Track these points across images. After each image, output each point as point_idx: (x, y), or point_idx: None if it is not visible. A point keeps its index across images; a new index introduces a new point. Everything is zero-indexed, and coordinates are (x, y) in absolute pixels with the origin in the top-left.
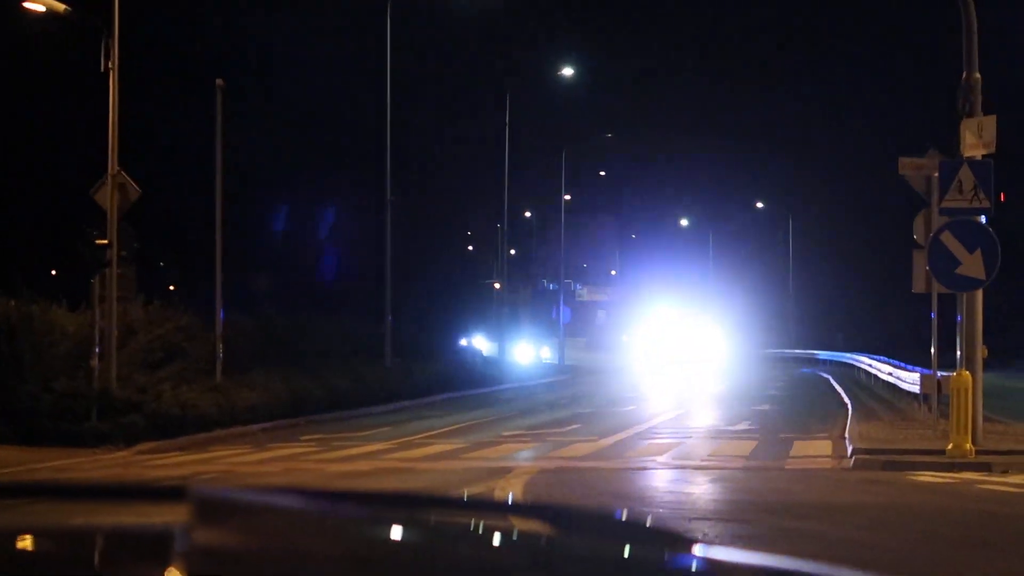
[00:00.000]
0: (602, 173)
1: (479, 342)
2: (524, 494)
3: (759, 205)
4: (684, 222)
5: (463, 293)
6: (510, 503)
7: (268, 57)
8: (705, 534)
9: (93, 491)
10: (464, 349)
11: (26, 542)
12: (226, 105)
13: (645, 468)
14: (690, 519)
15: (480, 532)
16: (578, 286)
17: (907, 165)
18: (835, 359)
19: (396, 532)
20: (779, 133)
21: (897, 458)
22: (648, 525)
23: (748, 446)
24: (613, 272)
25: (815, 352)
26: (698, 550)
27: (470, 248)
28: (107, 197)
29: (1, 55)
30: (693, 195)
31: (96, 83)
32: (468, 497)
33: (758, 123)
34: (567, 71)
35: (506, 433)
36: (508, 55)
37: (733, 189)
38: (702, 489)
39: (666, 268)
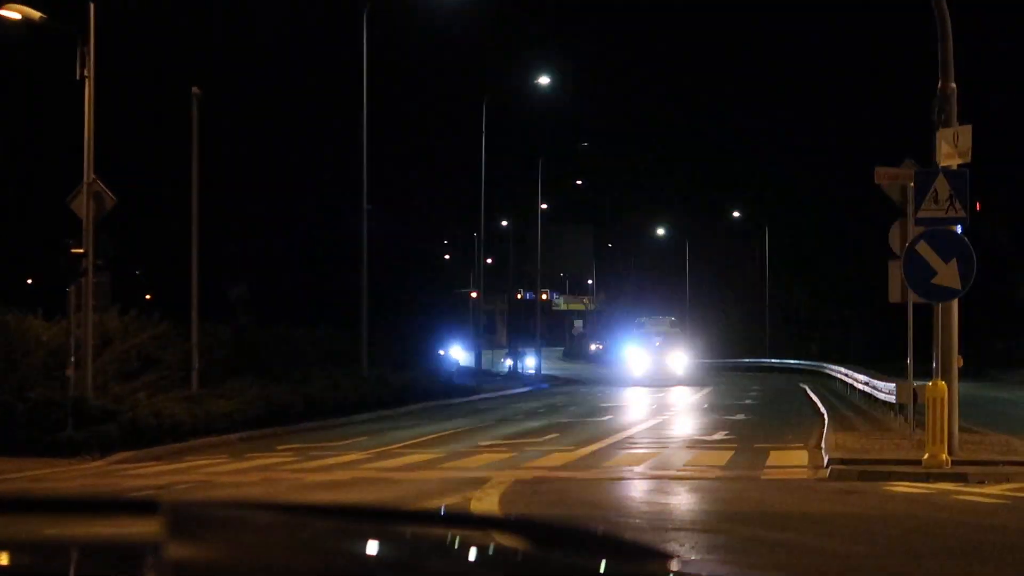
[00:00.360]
0: (579, 183)
1: (456, 351)
2: (501, 505)
3: (735, 214)
4: (660, 231)
5: (440, 302)
6: (487, 518)
7: (244, 65)
8: (682, 546)
9: (67, 504)
10: (441, 358)
11: (1, 556)
12: (202, 113)
13: (622, 478)
14: (667, 529)
15: (456, 547)
16: (555, 295)
17: (883, 175)
18: (811, 368)
19: (372, 547)
20: (755, 143)
21: (873, 468)
22: (625, 539)
23: (725, 456)
24: (590, 281)
25: (790, 362)
26: (674, 565)
27: (447, 257)
28: (83, 206)
29: None
30: (669, 205)
31: (71, 91)
32: (445, 511)
33: (734, 133)
34: (544, 80)
35: (483, 443)
36: (485, 64)
37: (709, 199)
38: (679, 499)
39: (642, 277)
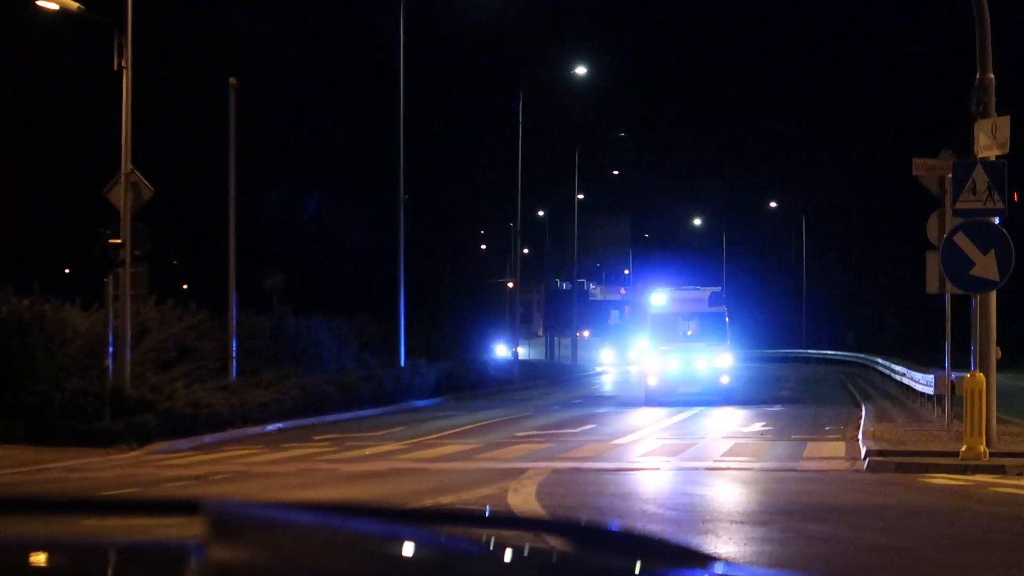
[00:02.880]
0: (615, 172)
1: (492, 341)
2: (537, 496)
3: (772, 205)
4: (697, 221)
5: (476, 293)
6: (527, 518)
7: (281, 53)
8: (719, 538)
9: (108, 506)
10: (477, 348)
11: (40, 557)
12: (239, 103)
13: (659, 469)
14: (704, 521)
15: (492, 548)
16: (591, 285)
17: (921, 166)
18: (847, 359)
19: (412, 549)
20: (793, 133)
21: (911, 460)
22: (667, 540)
23: (762, 447)
24: (626, 271)
25: (827, 352)
26: (719, 568)
27: (483, 247)
28: (120, 196)
29: (16, 54)
30: (706, 194)
31: (109, 82)
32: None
33: (772, 124)
34: (581, 70)
35: (519, 433)
36: (522, 54)
37: (746, 188)
38: (716, 491)
39: (679, 267)
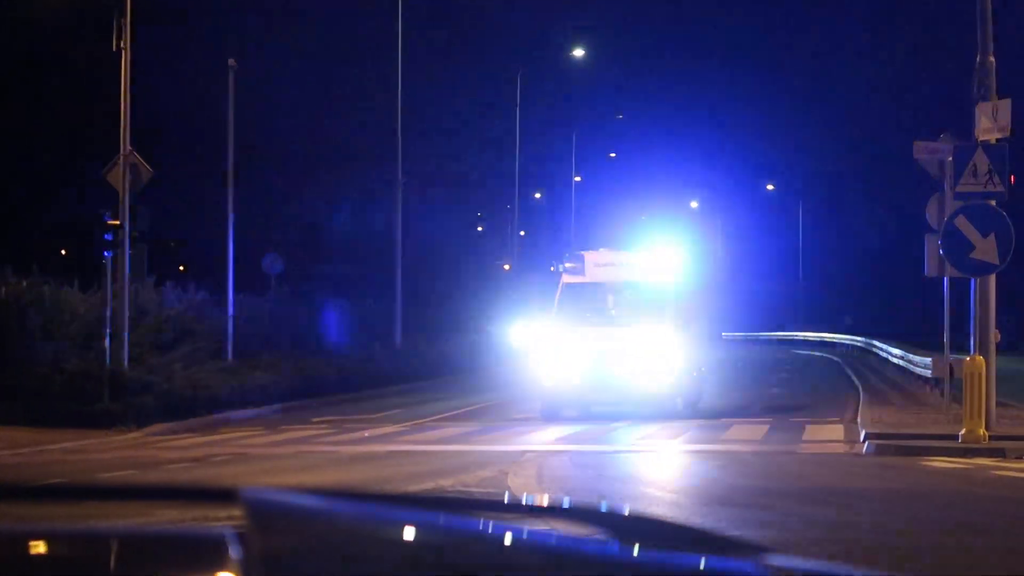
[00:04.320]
0: (613, 155)
1: (491, 323)
2: (538, 479)
3: (769, 187)
4: (694, 204)
5: (473, 274)
6: (564, 506)
7: (280, 36)
8: (720, 521)
9: (143, 492)
10: (474, 330)
11: (73, 546)
12: (238, 85)
13: (659, 452)
14: (705, 504)
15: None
16: None
17: (921, 149)
18: (844, 342)
19: (450, 539)
20: (790, 116)
21: (910, 443)
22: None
23: (760, 430)
24: None
25: (824, 335)
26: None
27: (480, 229)
28: (119, 178)
29: (16, 35)
30: (704, 177)
31: (108, 63)
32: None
33: (769, 105)
34: (578, 52)
35: (517, 415)
36: (519, 35)
37: (744, 172)
38: (717, 474)
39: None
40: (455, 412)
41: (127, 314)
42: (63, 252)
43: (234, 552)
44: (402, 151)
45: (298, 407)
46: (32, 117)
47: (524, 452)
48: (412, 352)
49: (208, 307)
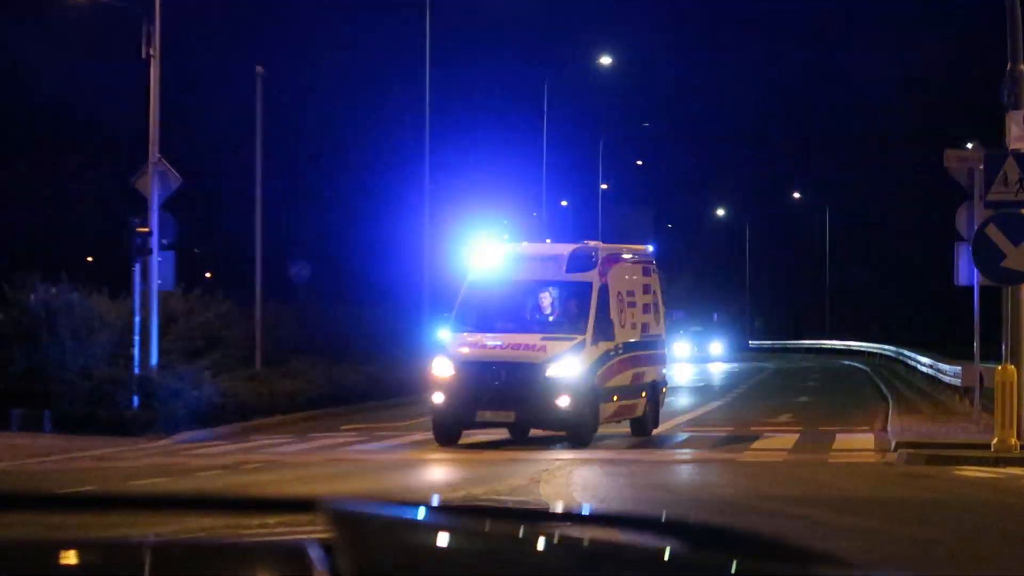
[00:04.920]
0: (639, 162)
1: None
2: (570, 488)
3: (796, 196)
4: (720, 212)
5: None
6: (633, 516)
7: (307, 42)
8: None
9: (219, 503)
10: None
11: (154, 556)
12: (266, 92)
13: (689, 461)
14: (737, 513)
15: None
16: None
17: (952, 158)
18: (872, 350)
19: (537, 547)
20: (817, 123)
21: (941, 452)
22: (787, 542)
23: (790, 439)
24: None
25: (851, 343)
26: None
27: (505, 237)
28: (148, 185)
29: (45, 43)
30: (731, 185)
31: (136, 70)
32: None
33: (796, 113)
34: (605, 60)
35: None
36: (546, 44)
37: (771, 180)
38: (748, 482)
39: (703, 258)
40: None
41: (156, 321)
42: (89, 259)
43: (318, 562)
44: (429, 158)
45: (327, 414)
46: (60, 124)
47: (553, 460)
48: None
49: (236, 314)
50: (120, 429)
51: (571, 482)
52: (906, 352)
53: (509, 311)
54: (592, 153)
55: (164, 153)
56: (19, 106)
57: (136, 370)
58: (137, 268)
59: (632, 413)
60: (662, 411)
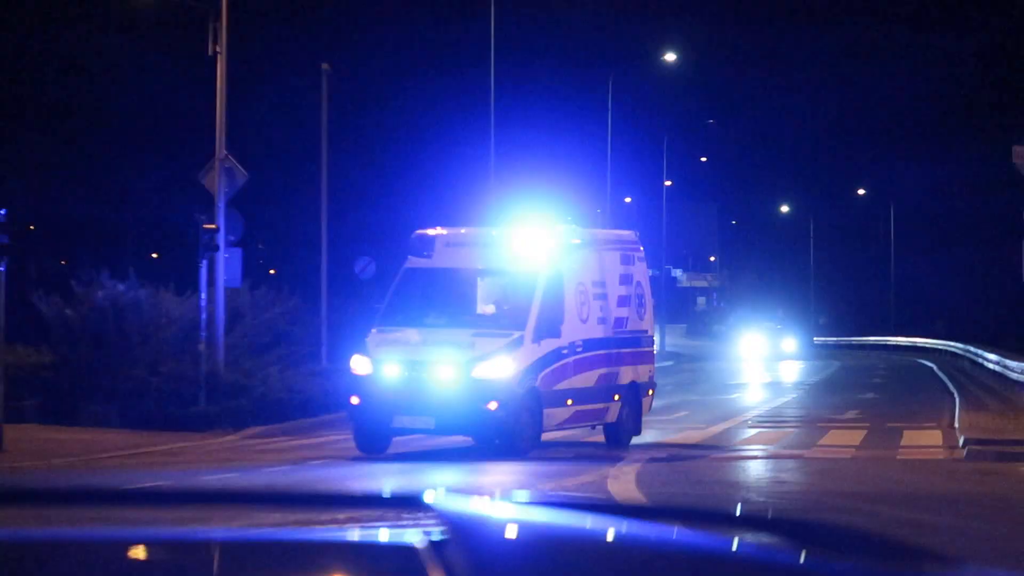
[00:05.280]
0: (703, 159)
1: None
2: (638, 483)
3: (860, 192)
4: (784, 208)
5: None
6: (737, 514)
7: (373, 40)
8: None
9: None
10: None
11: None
12: (332, 89)
13: (756, 457)
14: (807, 510)
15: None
16: (678, 272)
17: (1020, 154)
18: (938, 347)
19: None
20: (882, 119)
21: (1010, 449)
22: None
23: (857, 436)
24: (712, 259)
25: (917, 340)
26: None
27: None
28: (214, 181)
29: (112, 39)
30: (795, 182)
31: (203, 67)
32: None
33: (860, 109)
34: (670, 57)
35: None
36: (610, 40)
37: (834, 176)
38: (816, 479)
39: (766, 255)
40: None
41: (222, 318)
42: (155, 256)
43: (432, 560)
44: (494, 153)
45: None
46: (126, 120)
47: (623, 456)
48: None
49: (302, 310)
50: (188, 424)
51: (640, 479)
52: (973, 349)
53: (444, 304)
54: (656, 149)
55: (230, 149)
56: (86, 102)
57: (203, 366)
58: (204, 265)
59: (599, 418)
60: (725, 407)
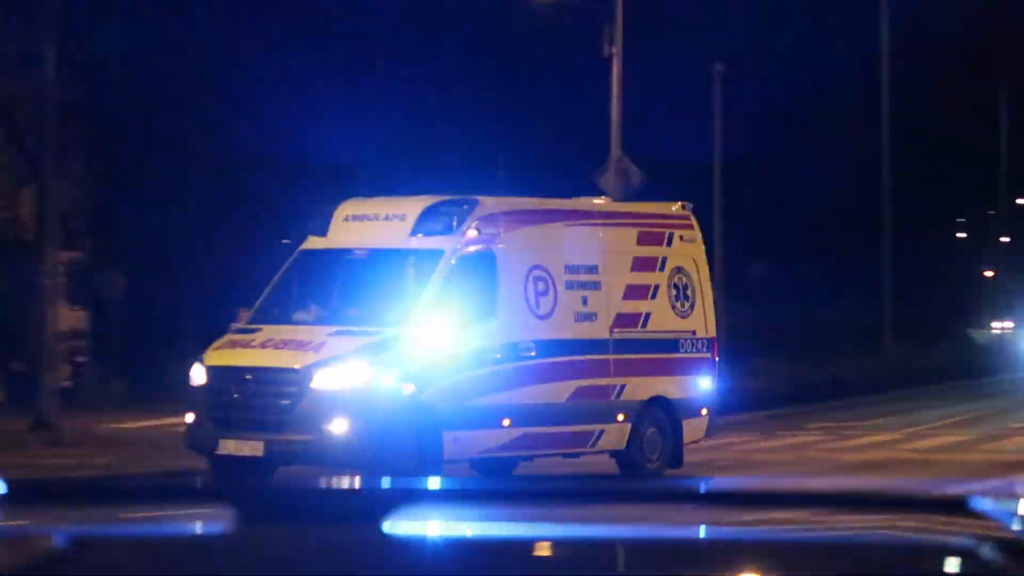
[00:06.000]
0: None
1: (976, 329)
2: None
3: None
4: None
5: (960, 278)
6: None
7: (770, 42)
8: None
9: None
10: (961, 335)
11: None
12: (724, 91)
13: None
14: None
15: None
16: None
17: None
18: None
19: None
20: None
21: None
22: None
23: None
24: None
25: None
26: None
27: (960, 236)
28: (609, 182)
29: (509, 44)
30: None
31: (596, 69)
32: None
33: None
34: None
35: (1015, 424)
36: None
37: None
38: None
39: None
40: (949, 420)
41: None
42: None
43: (996, 562)
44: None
45: (790, 413)
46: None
47: None
48: (899, 357)
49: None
50: None
51: None
52: None
53: (328, 295)
54: None
55: (624, 150)
56: None
57: None
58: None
59: (581, 444)
60: None
